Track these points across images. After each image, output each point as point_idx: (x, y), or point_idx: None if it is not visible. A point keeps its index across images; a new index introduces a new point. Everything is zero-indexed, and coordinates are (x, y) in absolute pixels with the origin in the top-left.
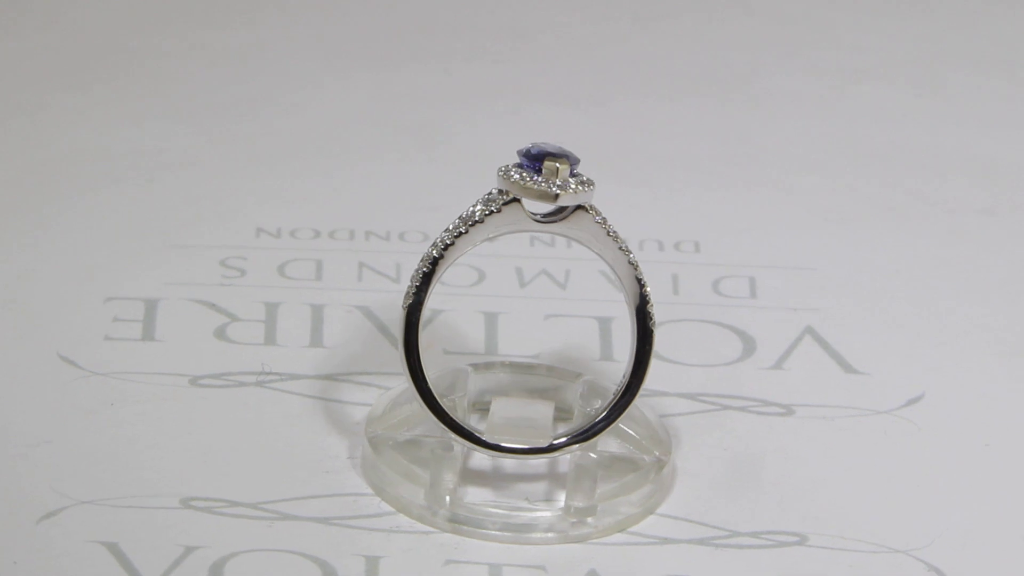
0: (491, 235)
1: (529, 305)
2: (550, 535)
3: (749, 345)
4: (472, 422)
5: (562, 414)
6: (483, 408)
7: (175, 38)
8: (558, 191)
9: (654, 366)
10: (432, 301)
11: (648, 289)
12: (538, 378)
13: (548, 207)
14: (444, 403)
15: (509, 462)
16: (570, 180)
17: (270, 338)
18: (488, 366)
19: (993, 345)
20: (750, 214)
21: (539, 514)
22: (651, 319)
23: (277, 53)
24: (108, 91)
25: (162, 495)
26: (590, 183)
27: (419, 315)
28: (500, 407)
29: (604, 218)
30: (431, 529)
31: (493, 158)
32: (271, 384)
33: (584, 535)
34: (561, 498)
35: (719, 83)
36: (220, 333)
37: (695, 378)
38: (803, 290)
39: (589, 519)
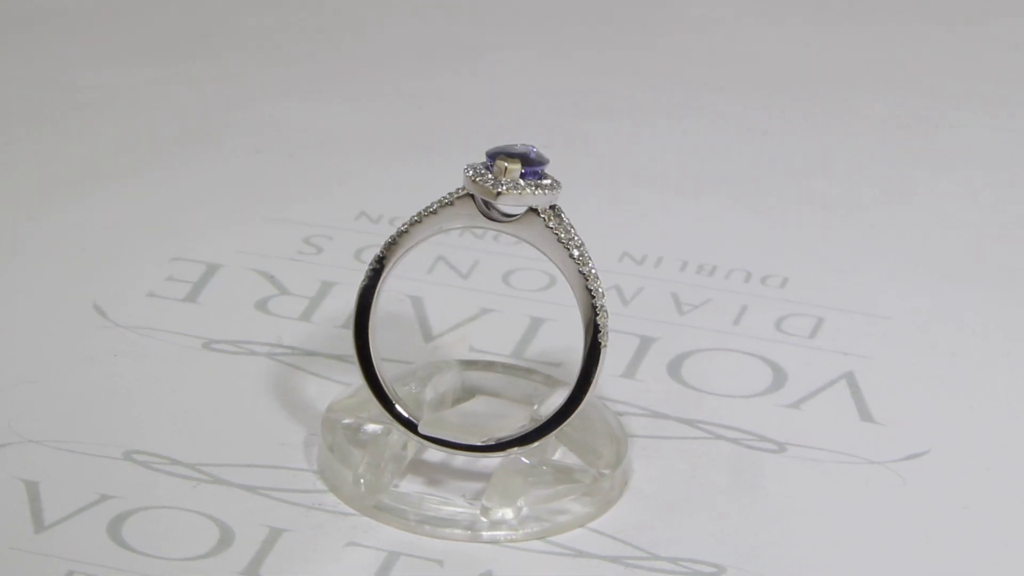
0: (445, 227)
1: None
2: (459, 532)
3: (779, 381)
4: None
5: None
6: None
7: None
8: (501, 189)
9: (676, 390)
10: (494, 302)
11: (601, 302)
12: (531, 384)
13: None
14: (402, 391)
15: (461, 459)
16: (521, 181)
17: (307, 315)
18: (488, 365)
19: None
20: (840, 254)
21: (458, 510)
22: (600, 332)
23: (408, 41)
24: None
25: (109, 445)
26: (550, 186)
27: (371, 298)
28: (469, 404)
29: (562, 223)
30: (353, 512)
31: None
32: (280, 356)
33: (498, 537)
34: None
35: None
36: (261, 304)
37: (706, 405)
38: (866, 337)
39: (506, 522)
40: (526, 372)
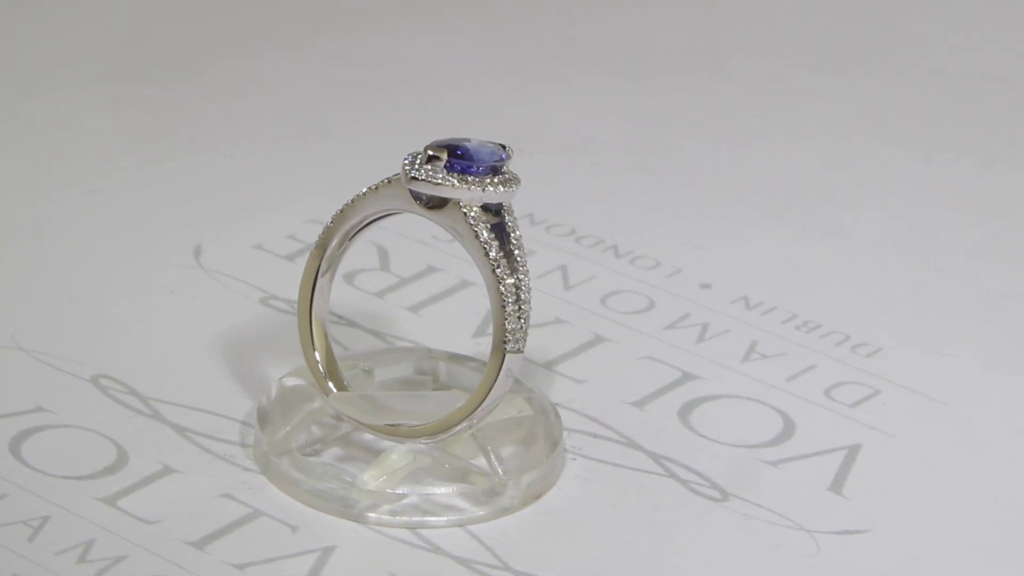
0: (378, 211)
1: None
2: (334, 505)
3: (782, 436)
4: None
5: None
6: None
7: None
8: (414, 174)
9: (672, 427)
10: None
11: (515, 307)
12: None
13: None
14: (351, 371)
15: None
16: (440, 170)
17: (384, 293)
18: (462, 360)
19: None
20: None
21: (341, 485)
22: (507, 339)
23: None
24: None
25: (85, 365)
26: (480, 183)
27: (315, 267)
28: (393, 389)
29: (498, 223)
30: (252, 468)
31: None
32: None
33: (369, 518)
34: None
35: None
36: (350, 277)
37: (688, 445)
38: (907, 413)
39: (380, 505)
40: (470, 364)
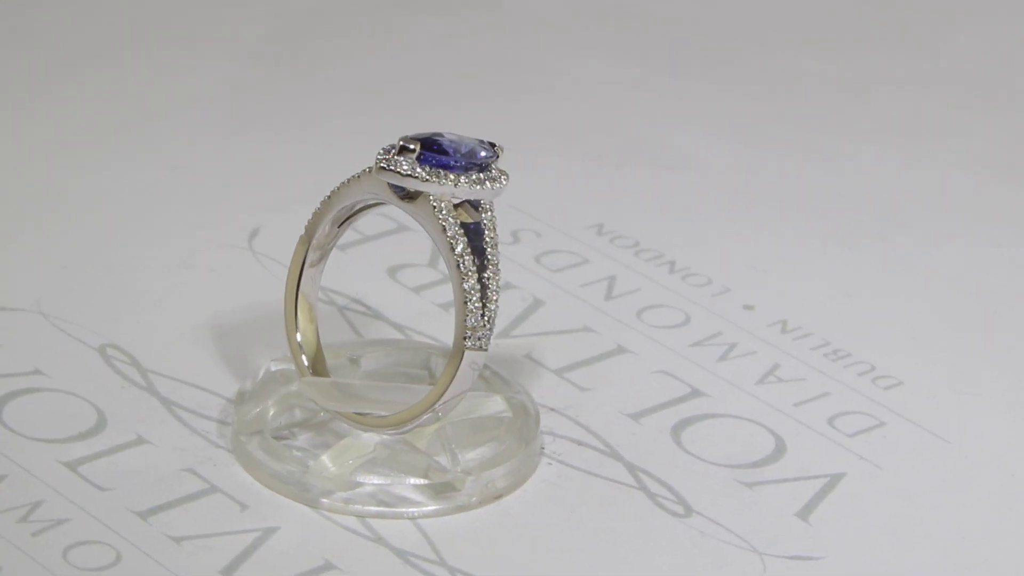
0: (361, 200)
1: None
2: (288, 487)
3: (767, 460)
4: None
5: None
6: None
7: None
8: (382, 164)
9: (662, 441)
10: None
11: (475, 305)
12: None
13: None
14: (332, 352)
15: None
16: (408, 161)
17: (421, 289)
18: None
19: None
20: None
21: (300, 469)
22: (467, 336)
23: None
24: None
25: (99, 334)
26: (452, 177)
27: (303, 252)
28: (369, 378)
29: (448, 215)
30: (223, 446)
31: None
32: (350, 309)
33: (321, 503)
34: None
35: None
36: (393, 271)
37: (670, 461)
38: (903, 448)
39: (335, 492)
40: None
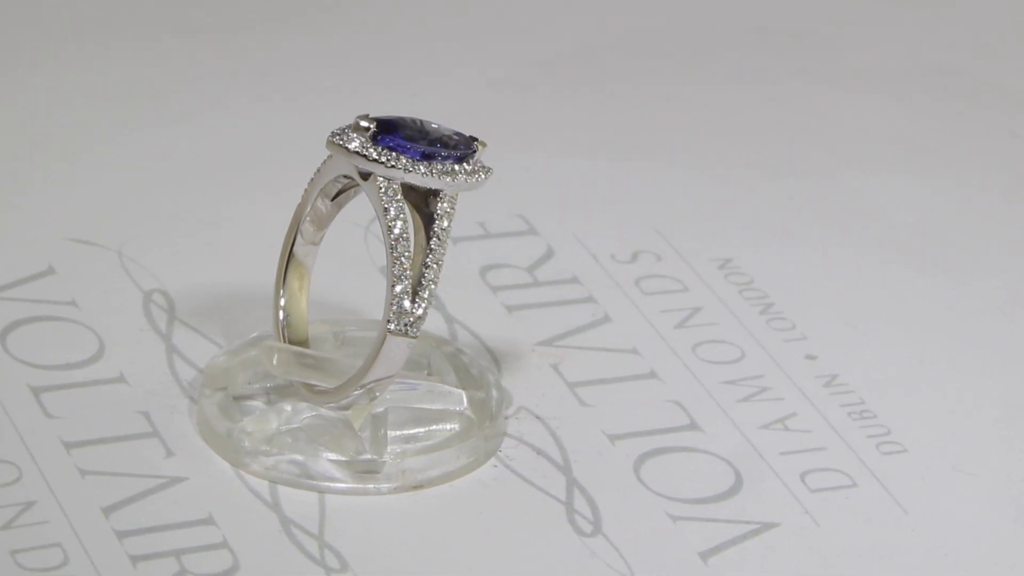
0: (336, 175)
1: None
2: (217, 445)
3: (713, 499)
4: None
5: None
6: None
7: None
8: (332, 137)
9: (614, 467)
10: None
11: (401, 290)
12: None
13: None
14: (318, 325)
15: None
16: (359, 139)
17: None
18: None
19: None
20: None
21: (231, 426)
22: (391, 320)
23: None
24: None
25: (156, 279)
26: (406, 162)
27: (296, 222)
28: (342, 353)
29: (392, 198)
30: (187, 400)
31: None
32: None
33: (246, 464)
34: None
35: None
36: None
37: (604, 483)
38: (846, 509)
39: (258, 457)
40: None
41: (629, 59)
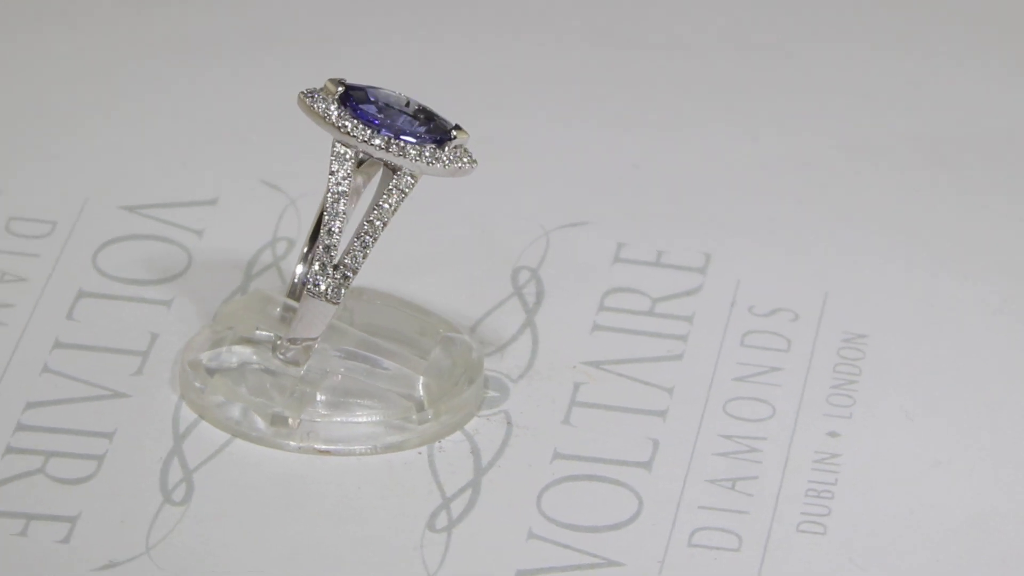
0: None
1: None
2: (178, 381)
3: (627, 519)
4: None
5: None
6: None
7: None
8: (301, 97)
9: (534, 485)
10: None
11: (321, 252)
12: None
13: None
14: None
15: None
16: (327, 101)
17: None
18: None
19: None
20: None
21: (196, 362)
22: (308, 282)
23: None
24: None
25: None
26: (354, 125)
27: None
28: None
29: (342, 159)
30: (186, 369)
31: None
32: None
33: (187, 396)
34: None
35: None
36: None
37: (505, 495)
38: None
39: (197, 386)
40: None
41: None
